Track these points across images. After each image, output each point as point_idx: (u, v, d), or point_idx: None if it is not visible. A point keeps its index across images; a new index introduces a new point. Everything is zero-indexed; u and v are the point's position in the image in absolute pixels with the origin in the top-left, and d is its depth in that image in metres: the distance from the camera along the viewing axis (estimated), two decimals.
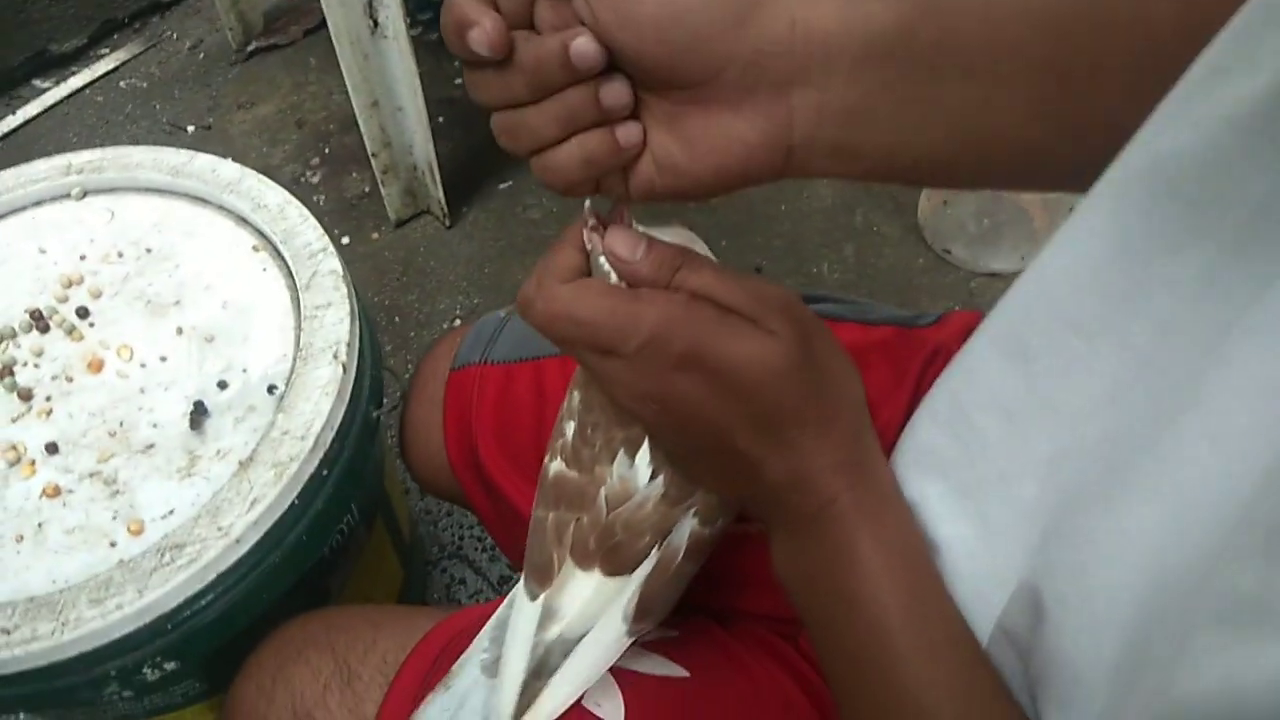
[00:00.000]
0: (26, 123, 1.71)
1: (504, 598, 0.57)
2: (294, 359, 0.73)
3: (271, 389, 0.71)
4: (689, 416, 0.43)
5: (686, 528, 0.49)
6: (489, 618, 0.61)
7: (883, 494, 0.45)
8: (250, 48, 1.80)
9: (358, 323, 0.75)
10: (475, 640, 0.56)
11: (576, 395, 0.50)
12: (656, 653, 0.58)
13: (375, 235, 1.53)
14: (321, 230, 0.80)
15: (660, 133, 0.43)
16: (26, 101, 1.75)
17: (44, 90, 1.77)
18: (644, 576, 0.50)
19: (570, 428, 0.50)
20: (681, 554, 0.50)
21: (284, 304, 0.77)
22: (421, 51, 1.35)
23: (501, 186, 1.58)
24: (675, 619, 0.60)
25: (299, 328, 0.75)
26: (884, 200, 1.54)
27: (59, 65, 1.80)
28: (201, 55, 1.82)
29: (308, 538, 0.68)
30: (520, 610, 0.52)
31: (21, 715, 1.10)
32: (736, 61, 0.41)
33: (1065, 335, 0.41)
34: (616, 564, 0.50)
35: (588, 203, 0.44)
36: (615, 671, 0.55)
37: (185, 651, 0.65)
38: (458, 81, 1.74)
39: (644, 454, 0.48)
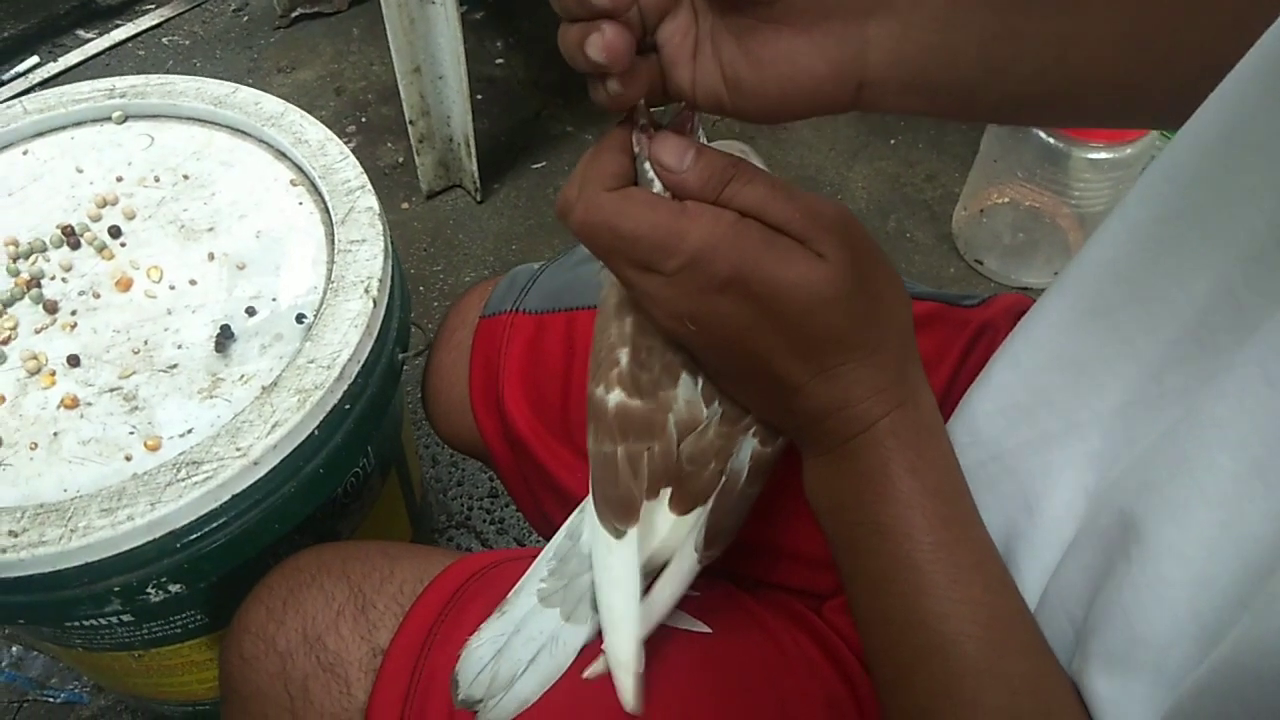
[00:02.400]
0: (67, 70, 1.71)
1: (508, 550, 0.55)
2: (324, 291, 0.72)
3: (300, 318, 0.70)
4: (728, 339, 0.41)
5: (748, 450, 0.48)
6: (508, 560, 0.60)
7: (921, 423, 0.43)
8: (295, 14, 1.80)
9: (390, 261, 0.74)
10: (531, 569, 0.54)
11: (629, 320, 0.48)
12: (681, 609, 0.56)
13: (405, 205, 1.53)
14: (361, 169, 0.79)
15: (731, 47, 0.42)
16: (68, 50, 1.75)
17: (86, 40, 1.77)
18: (709, 508, 0.49)
19: (624, 354, 0.48)
20: (745, 477, 0.48)
21: (318, 237, 0.76)
22: (465, 29, 1.35)
23: (535, 166, 1.58)
24: (700, 581, 0.58)
25: (331, 261, 0.74)
26: (919, 208, 1.53)
27: (104, 17, 1.81)
28: (246, 18, 1.83)
29: (324, 471, 0.67)
30: (609, 550, 0.49)
31: (15, 650, 1.10)
32: None
33: (1157, 280, 0.40)
34: (689, 497, 0.48)
35: (641, 101, 0.42)
36: None
37: (191, 574, 0.64)
38: (499, 61, 1.74)
39: (701, 377, 0.47)
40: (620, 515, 0.49)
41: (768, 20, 0.41)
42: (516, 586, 0.53)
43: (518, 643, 0.51)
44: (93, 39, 1.77)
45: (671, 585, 0.50)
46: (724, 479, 0.48)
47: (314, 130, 0.81)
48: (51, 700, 1.06)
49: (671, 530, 0.49)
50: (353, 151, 0.80)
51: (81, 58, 1.73)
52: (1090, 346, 0.43)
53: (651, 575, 0.50)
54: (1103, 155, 1.26)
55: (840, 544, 0.45)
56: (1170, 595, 0.36)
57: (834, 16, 0.40)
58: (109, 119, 0.85)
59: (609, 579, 0.49)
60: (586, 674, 0.51)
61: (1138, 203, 0.41)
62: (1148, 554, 0.36)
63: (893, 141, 1.63)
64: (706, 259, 0.39)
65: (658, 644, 0.54)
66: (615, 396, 0.48)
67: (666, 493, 0.49)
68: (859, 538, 0.43)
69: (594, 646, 0.52)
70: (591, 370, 0.51)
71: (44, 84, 1.69)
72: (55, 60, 1.73)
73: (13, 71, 1.70)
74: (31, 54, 1.73)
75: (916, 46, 0.41)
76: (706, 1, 0.41)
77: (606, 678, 0.51)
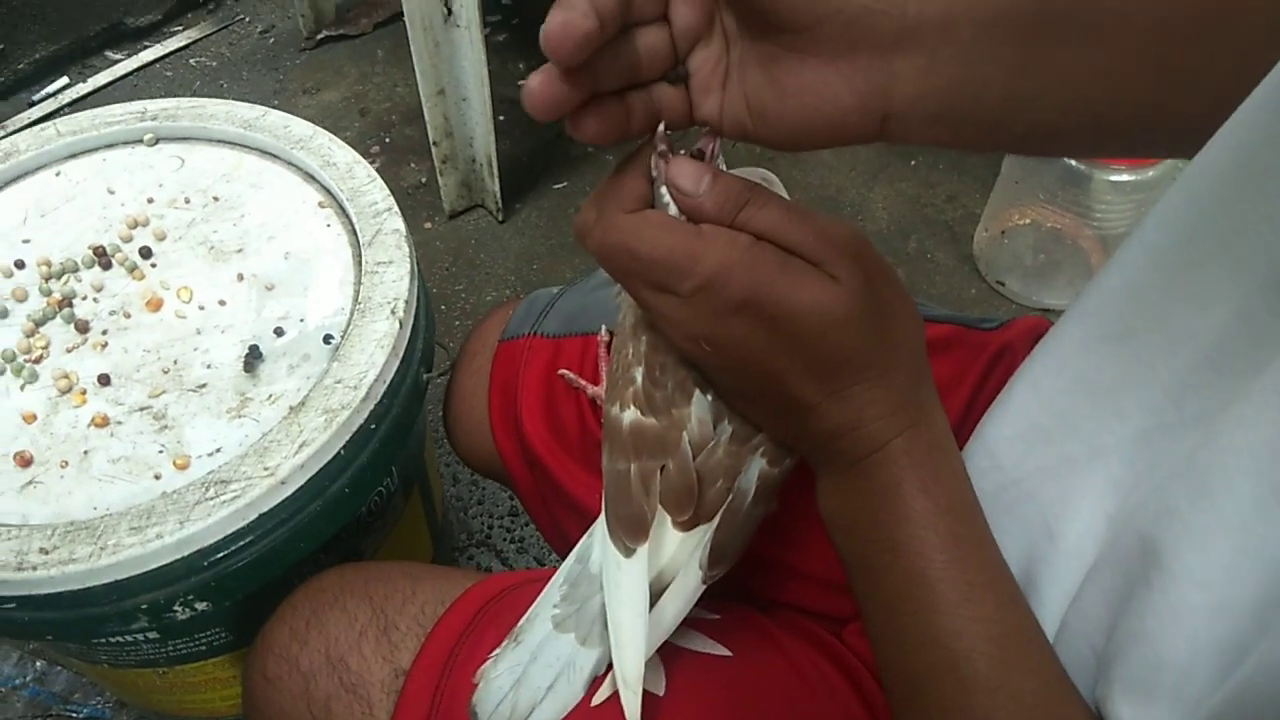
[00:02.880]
0: (95, 91, 1.74)
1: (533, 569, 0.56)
2: (352, 312, 0.72)
3: (328, 339, 0.71)
4: (743, 360, 0.42)
5: (755, 470, 0.48)
6: (528, 582, 0.60)
7: (934, 442, 0.43)
8: (320, 36, 1.83)
9: (417, 282, 0.75)
10: (543, 595, 0.54)
11: (644, 338, 0.49)
12: (700, 632, 0.57)
13: (428, 225, 1.54)
14: (388, 191, 0.80)
15: (757, 76, 0.42)
16: (97, 71, 1.78)
17: (115, 61, 1.80)
18: (714, 528, 0.49)
19: (639, 373, 0.48)
20: (751, 497, 0.49)
21: (345, 259, 0.77)
22: (489, 50, 1.36)
23: (556, 186, 1.59)
24: (718, 604, 0.58)
25: (359, 282, 0.74)
26: (939, 229, 1.53)
27: (133, 38, 1.83)
28: (272, 40, 1.85)
29: (350, 490, 0.67)
30: (618, 567, 0.50)
31: (39, 665, 1.10)
32: (842, 14, 0.40)
33: (1176, 305, 0.40)
34: (695, 513, 0.49)
35: (661, 126, 0.42)
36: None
37: (218, 592, 0.64)
38: (521, 83, 1.75)
39: (710, 394, 0.47)
40: (631, 533, 0.49)
41: (794, 50, 0.41)
42: (528, 613, 0.54)
43: (535, 670, 0.51)
44: (121, 60, 1.80)
45: (676, 603, 0.51)
46: (730, 498, 0.49)
47: (342, 153, 0.82)
48: (74, 716, 1.07)
49: (678, 548, 0.49)
50: (376, 172, 0.81)
51: (110, 79, 1.76)
52: (1110, 371, 0.43)
53: (658, 593, 0.50)
54: (1125, 177, 1.26)
55: (854, 562, 0.45)
56: (1191, 620, 0.36)
57: (861, 49, 0.41)
58: (140, 141, 0.86)
59: (618, 597, 0.50)
60: (595, 700, 0.51)
61: (1156, 227, 0.42)
62: (1169, 580, 0.37)
63: (913, 162, 1.63)
64: (721, 281, 0.39)
65: (676, 666, 0.54)
66: (630, 415, 0.49)
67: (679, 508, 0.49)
68: (872, 555, 0.43)
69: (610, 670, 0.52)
70: (608, 389, 0.52)
71: (73, 104, 1.72)
72: (85, 81, 1.75)
73: (43, 92, 1.73)
74: (61, 75, 1.76)
75: (943, 79, 0.41)
76: (738, 30, 0.42)
77: (619, 702, 0.51)
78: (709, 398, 0.47)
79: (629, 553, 0.49)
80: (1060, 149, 0.46)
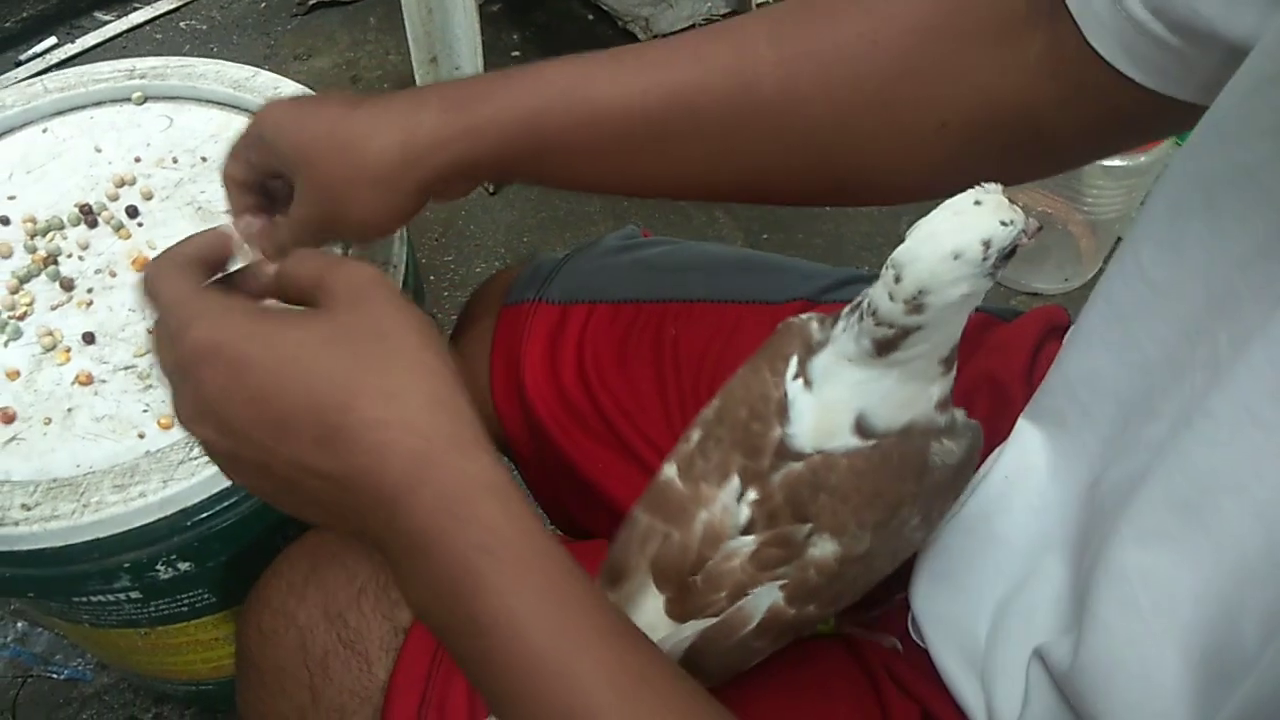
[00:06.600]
0: (83, 52, 1.72)
1: None
2: None
3: None
4: (229, 431, 0.38)
5: (768, 598, 0.44)
6: None
7: (481, 487, 0.38)
8: (313, 1, 1.81)
9: (406, 246, 0.74)
10: None
11: (715, 402, 0.47)
12: None
13: None
14: None
15: None
16: (86, 31, 1.76)
17: (105, 22, 1.78)
18: (701, 629, 0.45)
19: (696, 435, 0.47)
20: (753, 625, 0.44)
21: None
22: (482, 21, 1.35)
23: None
24: None
25: (347, 245, 0.74)
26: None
27: (123, 0, 1.81)
28: (263, 4, 1.83)
29: None
30: None
31: (20, 625, 1.10)
32: None
33: (1179, 340, 0.40)
34: (683, 607, 0.45)
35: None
36: None
37: (201, 553, 0.64)
38: (515, 54, 1.74)
39: (752, 492, 0.44)
40: (609, 578, 0.47)
41: None
42: None
43: None
44: (111, 21, 1.78)
45: None
46: (727, 615, 0.44)
47: None
48: (55, 676, 1.07)
49: (656, 621, 0.46)
50: None
51: (99, 40, 1.74)
52: (1137, 381, 0.43)
53: None
54: (1118, 162, 1.26)
55: (468, 670, 0.38)
56: (1186, 641, 0.36)
57: None
58: (129, 99, 0.85)
59: None
60: None
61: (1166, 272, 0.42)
62: (1162, 602, 0.37)
63: None
64: (175, 319, 0.40)
65: None
66: (669, 470, 0.47)
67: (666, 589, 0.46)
68: (471, 650, 0.37)
69: None
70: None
71: (61, 65, 1.70)
72: (73, 42, 1.73)
73: (31, 52, 1.71)
74: (50, 34, 1.74)
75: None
76: None
77: None
78: (748, 496, 0.44)
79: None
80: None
